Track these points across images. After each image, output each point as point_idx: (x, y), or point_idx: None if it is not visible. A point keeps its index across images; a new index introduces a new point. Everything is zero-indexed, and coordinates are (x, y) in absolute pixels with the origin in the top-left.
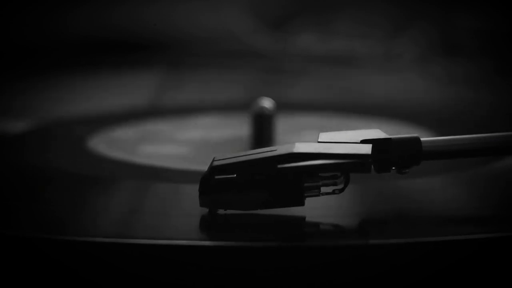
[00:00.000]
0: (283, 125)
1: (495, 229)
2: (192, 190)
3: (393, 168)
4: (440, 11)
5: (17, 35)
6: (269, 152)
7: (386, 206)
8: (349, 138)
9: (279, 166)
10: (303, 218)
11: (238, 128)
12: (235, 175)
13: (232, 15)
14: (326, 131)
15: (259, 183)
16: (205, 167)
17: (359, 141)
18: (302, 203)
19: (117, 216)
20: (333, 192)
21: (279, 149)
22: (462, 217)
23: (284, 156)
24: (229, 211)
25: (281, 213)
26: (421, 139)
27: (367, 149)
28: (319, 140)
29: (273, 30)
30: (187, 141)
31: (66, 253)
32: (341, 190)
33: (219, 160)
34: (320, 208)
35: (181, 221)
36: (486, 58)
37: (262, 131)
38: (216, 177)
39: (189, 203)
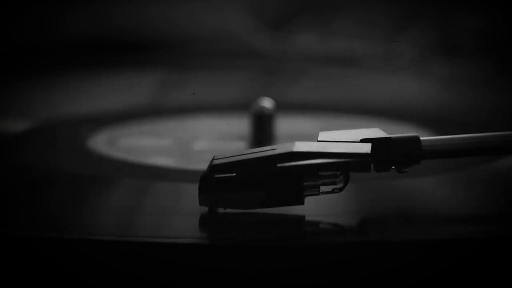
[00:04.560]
0: (283, 125)
1: (495, 228)
2: (192, 189)
3: (393, 167)
4: (440, 11)
5: (17, 35)
6: (268, 151)
7: (386, 205)
8: (348, 137)
9: (279, 165)
10: (303, 217)
11: (238, 128)
12: (234, 174)
13: (232, 15)
14: (326, 130)
15: (258, 182)
16: (204, 166)
17: (358, 140)
18: (301, 202)
19: (117, 215)
20: (333, 191)
21: (279, 148)
22: (462, 216)
23: (283, 155)
24: (228, 210)
25: (281, 212)
26: (421, 138)
27: (366, 148)
28: (318, 139)
29: (273, 30)
30: (187, 140)
31: (65, 252)
32: (341, 189)
33: (219, 159)
34: (319, 207)
35: (180, 220)
36: (486, 58)
37: (262, 131)
38: (216, 176)
39: (188, 202)
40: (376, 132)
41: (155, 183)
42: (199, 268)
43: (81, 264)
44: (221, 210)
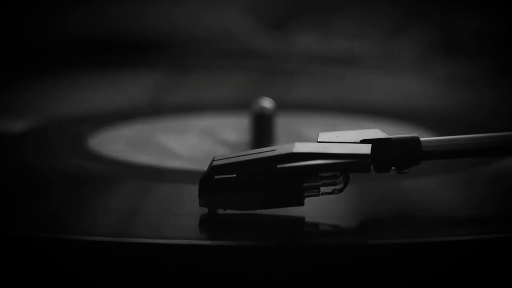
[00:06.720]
0: (283, 125)
1: (494, 229)
2: (192, 190)
3: (393, 168)
4: (440, 11)
5: (17, 35)
6: (268, 152)
7: (386, 206)
8: (348, 138)
9: (279, 166)
10: (303, 218)
11: (238, 128)
12: (234, 175)
13: (232, 15)
14: (326, 131)
15: (258, 183)
16: (204, 167)
17: (358, 141)
18: (301, 203)
19: (117, 215)
20: (333, 192)
21: (279, 149)
22: (462, 217)
23: (283, 156)
24: (228, 211)
25: (281, 213)
26: (421, 139)
27: (366, 149)
28: (318, 140)
29: (273, 30)
30: (187, 141)
31: (66, 252)
32: (341, 190)
33: (219, 160)
34: (319, 208)
35: (180, 221)
36: (486, 58)
37: (262, 131)
38: (216, 177)
39: (188, 203)
40: (376, 133)
41: (155, 184)
42: (199, 268)
43: (81, 264)
44: (221, 211)
